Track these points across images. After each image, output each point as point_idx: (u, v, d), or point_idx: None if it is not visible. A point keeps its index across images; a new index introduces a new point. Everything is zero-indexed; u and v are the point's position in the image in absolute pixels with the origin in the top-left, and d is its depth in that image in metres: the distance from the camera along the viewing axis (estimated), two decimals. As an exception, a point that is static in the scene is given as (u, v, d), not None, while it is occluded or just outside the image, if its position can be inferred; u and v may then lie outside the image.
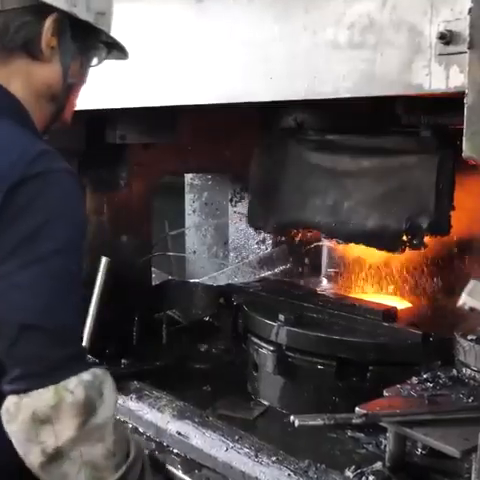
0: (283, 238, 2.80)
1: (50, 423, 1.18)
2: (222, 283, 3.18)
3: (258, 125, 2.52)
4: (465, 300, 1.17)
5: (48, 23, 1.37)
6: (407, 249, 2.02)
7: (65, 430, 1.19)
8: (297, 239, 2.58)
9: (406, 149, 2.00)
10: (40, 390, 1.20)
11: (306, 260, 2.97)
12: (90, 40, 1.49)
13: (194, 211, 3.91)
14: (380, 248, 2.10)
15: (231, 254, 3.53)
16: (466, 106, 1.21)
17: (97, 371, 1.27)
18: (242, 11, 1.75)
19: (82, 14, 1.41)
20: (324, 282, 2.82)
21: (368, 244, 2.10)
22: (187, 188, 3.89)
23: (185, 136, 2.77)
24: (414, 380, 1.87)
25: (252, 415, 2.17)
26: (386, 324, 2.11)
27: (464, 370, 1.90)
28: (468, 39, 1.22)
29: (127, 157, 2.72)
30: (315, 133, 2.20)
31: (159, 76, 2.06)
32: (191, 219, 3.93)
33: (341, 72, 1.51)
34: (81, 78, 1.52)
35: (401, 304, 2.39)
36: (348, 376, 2.07)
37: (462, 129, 1.21)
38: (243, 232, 3.37)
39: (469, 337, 1.89)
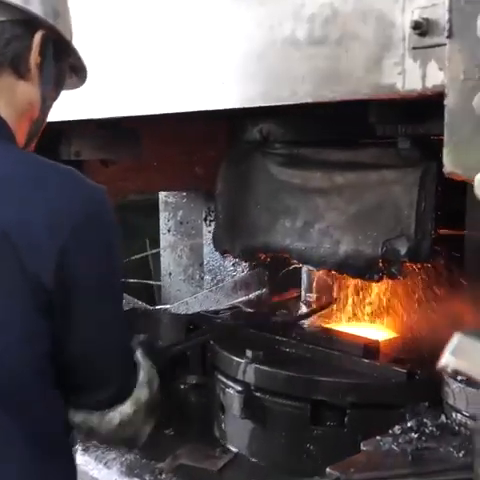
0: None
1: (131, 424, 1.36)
2: (197, 308, 2.95)
3: (227, 137, 2.27)
4: (448, 361, 0.89)
5: (37, 39, 1.26)
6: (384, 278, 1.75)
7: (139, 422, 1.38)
8: (274, 261, 2.31)
9: (383, 163, 1.74)
10: (122, 407, 1.34)
11: (284, 284, 2.69)
12: (64, 61, 1.39)
13: (169, 230, 3.68)
14: (354, 276, 1.83)
15: (206, 276, 3.30)
16: (446, 109, 0.94)
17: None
18: (190, 8, 1.50)
19: (65, 33, 1.33)
20: (303, 309, 2.55)
21: (341, 271, 1.84)
22: (161, 206, 3.66)
23: (150, 151, 2.52)
24: (396, 430, 1.60)
25: (217, 465, 1.89)
26: (367, 361, 1.84)
27: (454, 415, 1.63)
28: (447, 27, 0.96)
29: (84, 175, 2.45)
30: (282, 146, 1.93)
31: (113, 84, 1.80)
32: (166, 239, 3.70)
33: (300, 73, 1.25)
34: (54, 100, 1.43)
35: (386, 333, 2.13)
36: (324, 420, 1.81)
37: (445, 138, 0.95)
38: (218, 253, 3.11)
39: (459, 378, 1.62)
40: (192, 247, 3.53)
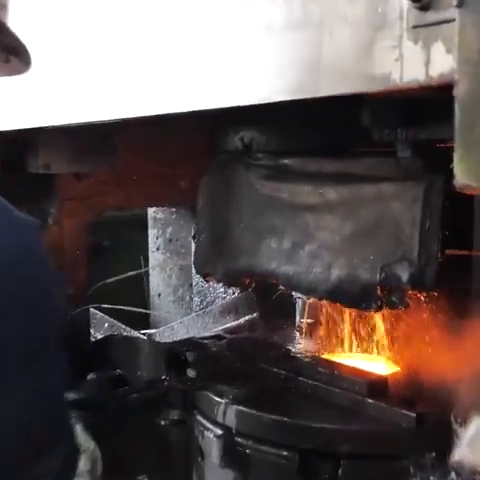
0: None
1: None
2: (183, 333, 2.72)
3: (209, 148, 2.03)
4: (464, 456, 0.63)
5: None
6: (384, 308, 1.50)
7: None
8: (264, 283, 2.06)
9: (381, 175, 1.49)
10: None
11: (276, 308, 2.44)
12: None
13: (158, 248, 3.46)
14: (348, 305, 1.58)
15: (195, 298, 3.06)
16: (457, 101, 0.70)
17: None
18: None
19: None
20: (297, 336, 2.30)
21: (333, 299, 1.59)
22: (150, 222, 3.44)
23: (128, 164, 2.30)
24: (398, 489, 1.34)
25: (192, 521, 1.64)
26: (371, 401, 1.58)
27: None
28: (457, -7, 0.72)
29: (56, 190, 2.23)
30: (266, 156, 1.69)
31: (81, 85, 1.57)
32: (155, 257, 3.48)
33: (274, 64, 1.00)
34: None
35: (390, 366, 1.86)
36: (314, 473, 1.55)
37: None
38: (207, 274, 2.87)
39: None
40: (182, 266, 3.32)
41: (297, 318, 2.36)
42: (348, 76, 0.91)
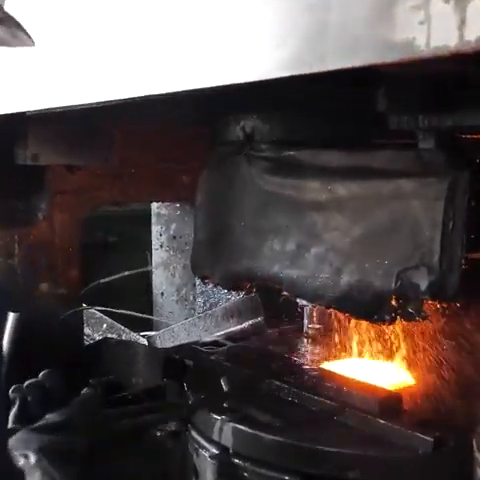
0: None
1: None
2: (184, 336, 2.57)
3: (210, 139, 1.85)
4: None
5: None
6: (398, 319, 1.32)
7: None
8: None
9: (398, 170, 1.31)
10: None
11: (282, 312, 2.26)
12: None
13: (161, 246, 3.32)
14: (357, 315, 1.41)
15: (199, 299, 2.91)
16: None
17: None
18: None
19: None
20: (305, 343, 2.13)
21: (341, 308, 1.42)
22: (154, 218, 3.31)
23: (126, 157, 2.14)
24: None
25: None
26: (383, 422, 1.40)
27: (491, 510, 1.19)
28: None
29: (47, 183, 2.07)
30: (269, 147, 1.50)
31: (74, 64, 1.40)
32: (158, 255, 3.34)
33: (274, 34, 0.83)
34: None
35: (404, 378, 1.67)
36: (318, 501, 1.38)
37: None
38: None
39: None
40: (185, 265, 3.17)
41: (305, 323, 2.20)
42: (361, 44, 0.73)
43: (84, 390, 1.40)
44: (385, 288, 1.35)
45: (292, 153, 1.47)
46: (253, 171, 1.54)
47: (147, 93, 1.06)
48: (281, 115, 1.46)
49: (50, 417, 1.34)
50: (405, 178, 1.30)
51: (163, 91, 1.02)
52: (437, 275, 1.28)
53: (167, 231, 3.21)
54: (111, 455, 1.38)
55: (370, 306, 1.39)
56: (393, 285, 1.34)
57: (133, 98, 1.12)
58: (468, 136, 1.20)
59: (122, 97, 1.16)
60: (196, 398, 1.62)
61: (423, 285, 1.30)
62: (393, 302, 1.36)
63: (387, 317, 1.37)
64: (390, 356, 1.74)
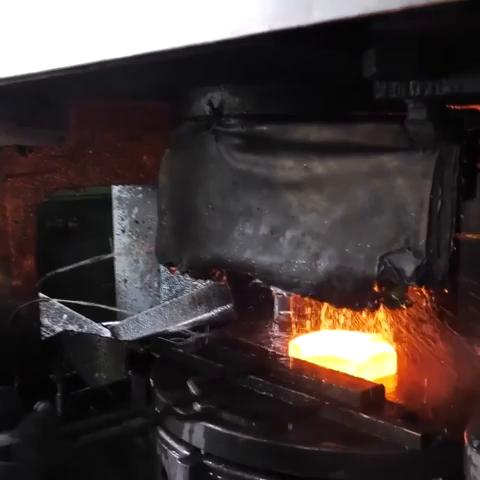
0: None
1: None
2: (149, 326, 2.45)
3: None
4: None
5: None
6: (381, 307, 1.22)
7: None
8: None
9: (382, 145, 1.19)
10: None
11: (252, 298, 2.15)
12: None
13: (123, 231, 3.18)
14: (337, 304, 1.30)
15: (163, 286, 2.79)
16: None
17: None
18: None
19: None
20: (276, 330, 2.02)
21: (319, 297, 1.31)
22: (115, 202, 3.17)
23: (82, 136, 1.99)
24: None
25: None
26: (366, 417, 1.29)
27: (486, 511, 1.10)
28: None
29: (-3, 165, 1.91)
30: (240, 123, 1.38)
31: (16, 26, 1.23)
32: (120, 240, 3.20)
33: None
34: None
35: (384, 366, 1.58)
36: (298, 503, 1.27)
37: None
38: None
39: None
40: (149, 250, 3.04)
41: (276, 309, 2.10)
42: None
43: (37, 404, 1.24)
44: (367, 274, 1.25)
45: (264, 128, 1.35)
46: (221, 148, 1.41)
47: (99, 59, 0.92)
48: (252, 86, 1.33)
49: None
50: (389, 154, 1.19)
51: (117, 55, 0.88)
52: (424, 259, 1.18)
53: (129, 216, 3.07)
54: (72, 470, 1.25)
55: (351, 294, 1.28)
56: (376, 271, 1.24)
57: (84, 66, 0.97)
58: (458, 107, 1.09)
59: (71, 64, 1.02)
60: (164, 403, 1.49)
61: (409, 270, 1.19)
62: (375, 289, 1.25)
63: (369, 305, 1.27)
64: (369, 342, 1.64)
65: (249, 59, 1.09)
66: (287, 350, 1.72)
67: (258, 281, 1.41)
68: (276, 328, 2.03)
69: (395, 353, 1.57)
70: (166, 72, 1.28)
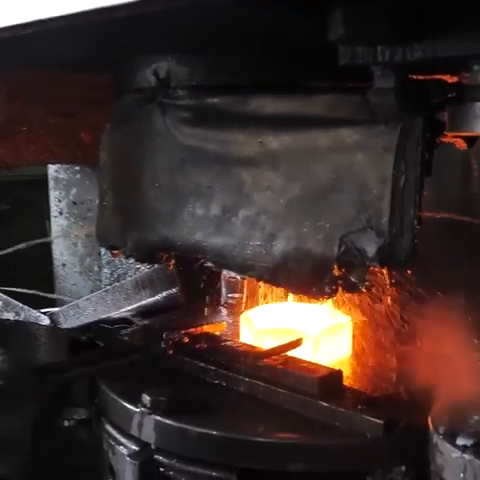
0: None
1: None
2: (90, 312, 2.33)
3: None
4: None
5: None
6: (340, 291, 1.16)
7: None
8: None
9: (342, 118, 1.12)
10: None
11: (199, 281, 2.07)
12: None
13: (61, 213, 3.05)
14: (294, 289, 1.23)
15: (105, 270, 2.68)
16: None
17: None
18: None
19: None
20: (224, 314, 1.95)
21: (275, 280, 1.24)
22: (51, 183, 3.03)
23: (13, 112, 1.86)
24: None
25: None
26: (326, 405, 1.23)
27: (452, 498, 1.06)
28: None
29: None
30: (188, 94, 1.28)
31: None
32: (58, 223, 3.07)
33: None
34: None
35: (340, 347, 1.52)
36: (256, 497, 1.21)
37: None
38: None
39: (461, 441, 1.05)
40: (89, 233, 2.92)
41: (223, 292, 2.02)
42: None
43: None
44: (326, 255, 1.18)
45: (215, 100, 1.26)
46: (168, 122, 1.31)
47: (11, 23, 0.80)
48: (202, 55, 1.23)
49: None
50: (348, 127, 1.12)
51: (45, 16, 0.77)
52: (387, 238, 1.12)
53: (66, 197, 2.95)
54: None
55: (308, 277, 1.21)
56: (336, 251, 1.17)
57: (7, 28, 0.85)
58: (421, 77, 1.03)
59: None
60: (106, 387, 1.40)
61: (370, 251, 1.13)
62: (335, 272, 1.18)
63: (327, 289, 1.20)
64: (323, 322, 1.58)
65: (198, 24, 1.00)
66: (238, 334, 1.65)
67: (210, 264, 1.33)
68: (224, 312, 1.96)
69: (351, 323, 1.52)
70: (105, 39, 1.17)
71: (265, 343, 1.48)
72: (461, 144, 1.21)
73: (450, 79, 1.04)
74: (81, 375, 1.50)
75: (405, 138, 1.07)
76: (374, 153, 1.10)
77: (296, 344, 1.40)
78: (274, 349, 1.39)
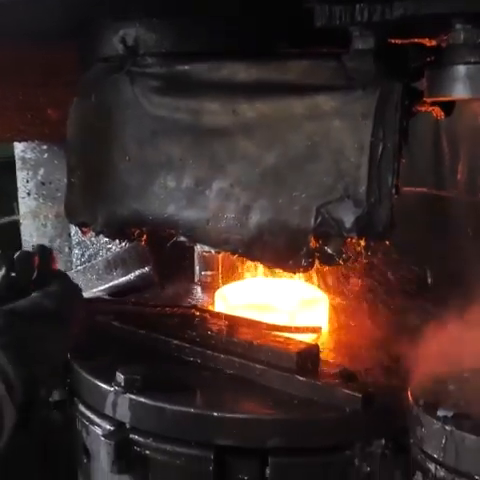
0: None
1: None
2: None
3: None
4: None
5: None
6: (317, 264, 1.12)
7: None
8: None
9: (318, 84, 1.08)
10: None
11: (172, 259, 2.02)
12: None
13: (29, 193, 2.97)
14: (270, 262, 1.19)
15: (75, 251, 2.61)
16: None
17: None
18: None
19: None
20: (198, 293, 1.91)
21: (250, 254, 1.20)
22: (18, 163, 2.94)
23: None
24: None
25: None
26: (303, 379, 1.20)
27: (433, 469, 1.04)
28: None
29: None
30: (158, 62, 1.22)
31: None
32: (26, 204, 2.99)
33: None
34: None
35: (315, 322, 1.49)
36: (234, 475, 1.17)
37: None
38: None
39: (441, 412, 1.02)
40: (58, 213, 2.85)
41: (197, 269, 1.98)
42: None
43: None
44: (303, 227, 1.15)
45: (186, 68, 1.20)
46: (137, 92, 1.26)
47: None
48: (172, 21, 1.17)
49: None
50: (325, 93, 1.08)
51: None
52: (364, 208, 1.08)
53: (34, 177, 2.86)
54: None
55: (285, 250, 1.17)
56: (312, 222, 1.14)
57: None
58: (399, 41, 0.99)
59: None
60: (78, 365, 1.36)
61: (348, 221, 1.10)
62: (311, 244, 1.15)
63: (304, 262, 1.17)
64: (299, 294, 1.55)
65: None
66: (212, 311, 1.60)
67: (183, 239, 1.28)
68: (199, 289, 1.92)
69: (326, 297, 1.49)
70: (71, 3, 1.11)
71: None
72: (439, 113, 1.18)
73: (429, 43, 1.01)
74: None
75: (383, 104, 1.03)
76: (351, 120, 1.06)
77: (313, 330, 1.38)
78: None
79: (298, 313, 1.45)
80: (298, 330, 1.36)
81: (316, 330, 1.38)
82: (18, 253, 1.33)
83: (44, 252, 1.36)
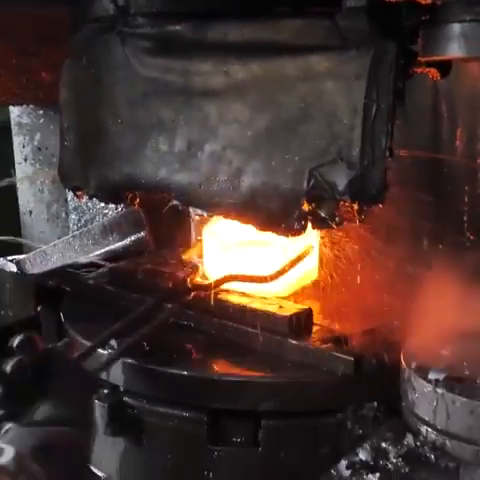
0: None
1: None
2: (58, 258, 2.26)
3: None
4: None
5: None
6: (309, 227, 1.11)
7: None
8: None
9: (311, 44, 1.05)
10: None
11: (168, 224, 2.00)
12: None
13: (25, 159, 2.94)
14: (262, 225, 1.18)
15: (72, 216, 2.59)
16: None
17: None
18: None
19: None
20: (194, 257, 1.89)
21: (242, 217, 1.19)
22: (14, 129, 2.91)
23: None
24: (343, 467, 0.99)
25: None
26: (295, 343, 1.20)
27: (424, 432, 1.04)
28: None
29: None
30: (149, 22, 1.19)
31: None
32: (23, 169, 2.97)
33: None
34: None
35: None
36: (228, 437, 1.19)
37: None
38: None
39: (433, 375, 1.02)
40: (54, 179, 2.83)
41: (193, 235, 1.97)
42: None
43: None
44: (295, 189, 1.13)
45: (177, 28, 1.17)
46: (128, 53, 1.23)
47: None
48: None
49: None
50: (318, 54, 1.06)
51: None
52: (358, 171, 1.07)
53: (31, 142, 2.83)
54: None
55: (277, 213, 1.16)
56: (305, 185, 1.12)
57: None
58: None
59: None
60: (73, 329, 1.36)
61: (341, 184, 1.08)
62: (304, 207, 1.13)
63: (296, 225, 1.15)
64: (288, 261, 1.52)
65: None
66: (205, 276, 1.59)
67: (175, 202, 1.26)
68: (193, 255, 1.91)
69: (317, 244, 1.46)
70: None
71: (231, 255, 1.42)
72: (435, 74, 1.15)
73: (424, 0, 0.98)
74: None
75: (377, 64, 1.01)
76: (345, 80, 1.04)
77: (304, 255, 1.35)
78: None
79: (290, 246, 1.41)
80: (292, 264, 1.33)
81: (308, 250, 1.36)
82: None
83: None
